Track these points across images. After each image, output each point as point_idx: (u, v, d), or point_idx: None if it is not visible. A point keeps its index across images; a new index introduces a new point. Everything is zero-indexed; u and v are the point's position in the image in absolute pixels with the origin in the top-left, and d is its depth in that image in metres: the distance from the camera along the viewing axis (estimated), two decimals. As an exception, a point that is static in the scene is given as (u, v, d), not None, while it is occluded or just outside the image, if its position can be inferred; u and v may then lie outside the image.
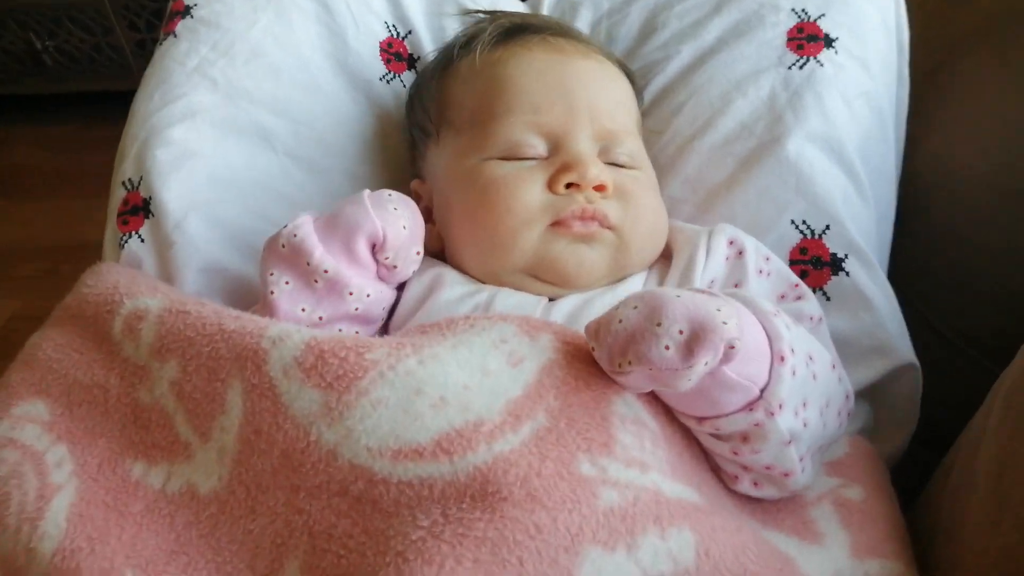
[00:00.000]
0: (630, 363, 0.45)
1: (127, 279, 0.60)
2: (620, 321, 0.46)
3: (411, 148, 0.73)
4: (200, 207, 0.66)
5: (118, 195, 0.68)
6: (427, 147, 0.70)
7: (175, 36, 0.73)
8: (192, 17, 0.73)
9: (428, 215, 0.68)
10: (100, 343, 0.57)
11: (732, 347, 0.44)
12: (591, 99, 0.63)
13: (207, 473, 0.51)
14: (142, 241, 0.66)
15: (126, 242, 0.66)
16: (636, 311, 0.45)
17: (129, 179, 0.68)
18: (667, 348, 0.44)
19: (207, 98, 0.70)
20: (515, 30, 0.68)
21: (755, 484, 0.53)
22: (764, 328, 0.48)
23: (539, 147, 0.62)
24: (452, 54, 0.69)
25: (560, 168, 0.60)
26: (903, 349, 0.63)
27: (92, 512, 0.51)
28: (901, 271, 0.71)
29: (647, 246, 0.63)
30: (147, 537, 0.50)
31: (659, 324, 0.44)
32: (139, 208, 0.67)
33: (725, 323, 0.44)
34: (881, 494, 0.56)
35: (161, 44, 0.74)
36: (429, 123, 0.69)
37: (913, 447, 0.64)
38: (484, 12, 0.75)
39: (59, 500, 0.51)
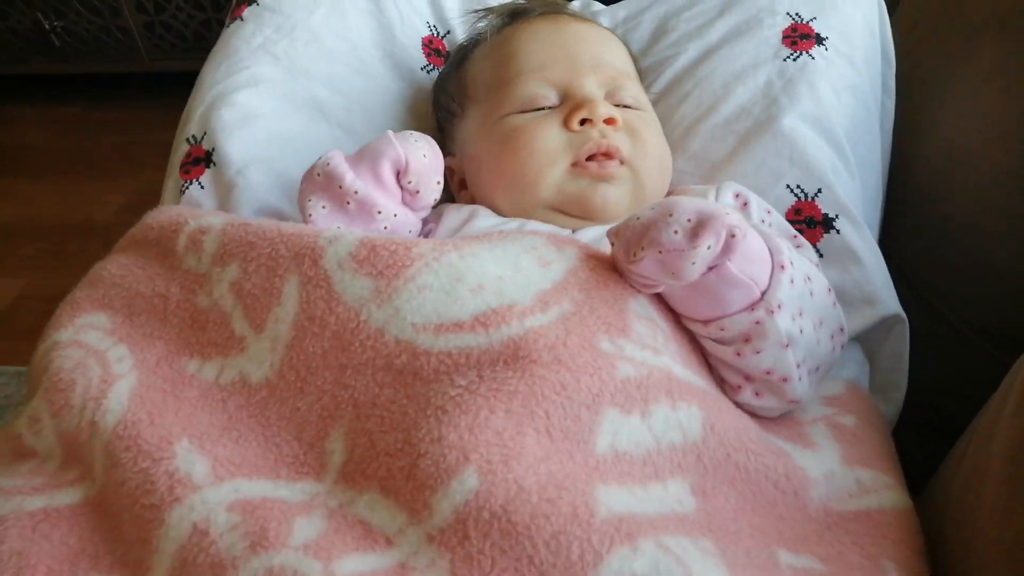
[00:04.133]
0: (643, 249, 0.51)
1: (190, 209, 0.66)
2: (638, 218, 0.52)
3: (439, 132, 0.81)
4: (259, 160, 0.72)
5: (181, 150, 0.75)
6: (453, 126, 0.78)
7: (242, 20, 0.82)
8: (258, 4, 0.83)
9: (463, 186, 0.76)
10: (163, 259, 0.61)
11: (733, 236, 0.49)
12: (592, 53, 0.72)
13: (259, 363, 0.54)
14: (202, 187, 0.72)
15: (187, 189, 0.72)
16: (652, 210, 0.52)
17: (193, 135, 0.75)
18: (676, 232, 0.49)
19: (269, 70, 0.78)
20: (517, 13, 0.78)
21: (756, 394, 0.57)
22: (767, 244, 0.54)
23: (551, 97, 0.70)
24: (467, 47, 0.79)
25: (573, 108, 0.68)
26: (890, 299, 0.68)
27: (151, 395, 0.54)
28: (912, 261, 0.73)
29: (657, 177, 0.70)
30: (202, 416, 0.53)
31: (671, 215, 0.50)
32: (201, 159, 0.73)
33: (728, 214, 0.50)
34: (874, 426, 0.60)
35: (228, 27, 0.83)
36: (454, 103, 0.77)
37: (921, 435, 0.66)
38: (486, 9, 0.85)
39: (120, 385, 0.54)
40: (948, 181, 0.74)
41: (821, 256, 0.69)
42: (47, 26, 1.80)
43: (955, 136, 0.74)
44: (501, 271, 0.54)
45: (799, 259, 0.57)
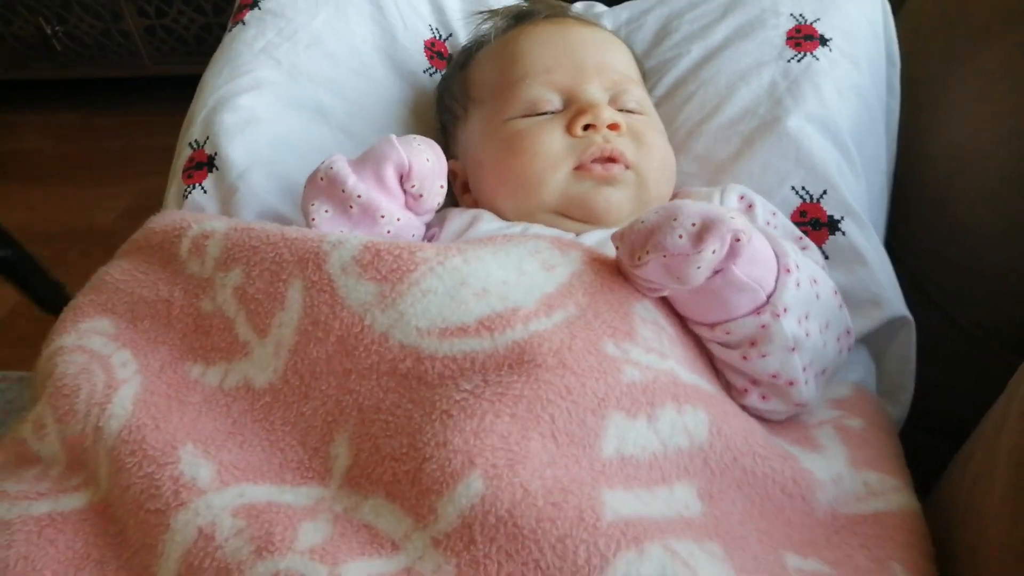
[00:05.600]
0: (648, 252, 0.50)
1: (193, 213, 0.66)
2: (642, 222, 0.52)
3: (443, 135, 0.81)
4: (262, 164, 0.72)
5: (184, 155, 0.75)
6: (457, 128, 0.77)
7: (244, 24, 0.82)
8: (260, 8, 0.83)
9: (465, 189, 0.75)
10: (166, 264, 0.61)
11: (738, 240, 0.49)
12: (596, 56, 0.72)
13: (263, 367, 0.54)
14: (204, 192, 0.72)
15: (189, 193, 0.72)
16: (656, 213, 0.51)
17: (196, 140, 0.75)
18: (680, 237, 0.49)
19: (271, 74, 0.78)
20: (522, 16, 0.78)
21: (763, 397, 0.57)
22: (772, 247, 0.54)
23: (555, 101, 0.70)
24: (471, 49, 0.79)
25: (576, 112, 0.68)
26: (896, 301, 0.67)
27: (156, 400, 0.54)
28: (919, 262, 0.73)
29: (661, 180, 0.70)
30: (206, 421, 0.54)
31: (675, 219, 0.50)
32: (203, 164, 0.73)
33: (733, 218, 0.49)
34: (881, 428, 0.60)
35: (230, 31, 0.83)
36: (457, 105, 0.77)
37: (930, 438, 0.65)
38: (491, 10, 0.85)
39: (125, 390, 0.54)
40: (954, 182, 0.73)
41: (827, 258, 0.69)
42: (49, 31, 1.81)
43: (961, 137, 0.74)
44: (505, 275, 0.53)
45: (805, 261, 0.57)
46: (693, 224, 0.50)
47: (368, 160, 0.62)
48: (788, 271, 0.53)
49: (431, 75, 0.86)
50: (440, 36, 0.90)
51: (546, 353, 0.49)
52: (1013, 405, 0.47)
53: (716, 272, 0.51)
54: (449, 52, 0.89)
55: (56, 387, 0.55)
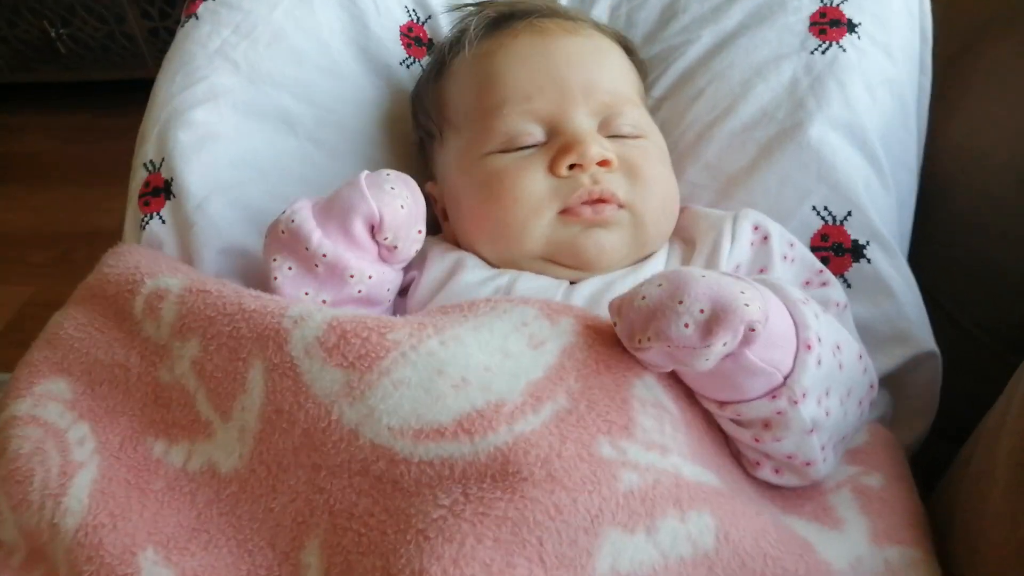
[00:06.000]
0: (649, 339, 0.45)
1: (148, 259, 0.61)
2: (643, 298, 0.46)
3: (420, 151, 0.74)
4: (221, 189, 0.66)
5: (139, 176, 0.69)
6: (433, 149, 0.70)
7: (196, 18, 0.73)
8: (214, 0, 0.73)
9: (445, 216, 0.68)
10: (121, 322, 0.58)
11: (753, 330, 0.44)
12: (583, 76, 0.63)
13: (228, 452, 0.51)
14: (163, 222, 0.66)
15: (147, 223, 0.67)
16: (660, 288, 0.45)
17: (151, 160, 0.68)
18: (686, 326, 0.44)
19: (229, 80, 0.70)
20: (501, 20, 0.68)
21: (776, 471, 0.53)
22: (791, 315, 0.48)
23: (537, 133, 0.61)
24: (444, 56, 0.69)
25: (560, 150, 0.60)
26: (923, 337, 0.62)
27: (114, 489, 0.52)
28: (922, 262, 0.70)
29: (662, 218, 0.63)
30: (168, 515, 0.51)
31: (681, 302, 0.44)
32: (160, 189, 0.67)
33: (747, 305, 0.43)
34: (901, 482, 0.56)
35: (183, 26, 0.74)
36: (432, 125, 0.69)
37: (932, 439, 0.64)
38: (472, 4, 0.74)
39: (81, 477, 0.52)
40: (957, 182, 0.72)
41: (849, 286, 0.63)
42: (53, 34, 1.83)
43: (962, 136, 0.72)
44: (488, 359, 0.48)
45: (827, 326, 0.51)
46: (701, 311, 0.44)
47: (335, 210, 0.56)
48: (808, 348, 0.47)
49: (408, 66, 0.77)
50: (418, 19, 0.80)
51: (532, 463, 0.44)
52: (1013, 405, 0.46)
53: (727, 356, 0.45)
54: (429, 37, 0.80)
55: (9, 471, 0.53)
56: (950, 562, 0.50)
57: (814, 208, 0.64)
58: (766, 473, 0.53)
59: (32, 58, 1.90)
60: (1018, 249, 0.66)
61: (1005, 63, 0.70)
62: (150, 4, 1.78)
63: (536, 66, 0.63)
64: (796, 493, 0.54)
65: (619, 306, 0.48)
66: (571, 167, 0.59)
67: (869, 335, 0.61)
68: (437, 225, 0.69)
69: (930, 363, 0.63)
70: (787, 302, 0.49)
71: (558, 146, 0.60)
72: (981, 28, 0.74)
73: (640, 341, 0.46)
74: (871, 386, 0.56)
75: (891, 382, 0.63)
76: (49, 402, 0.56)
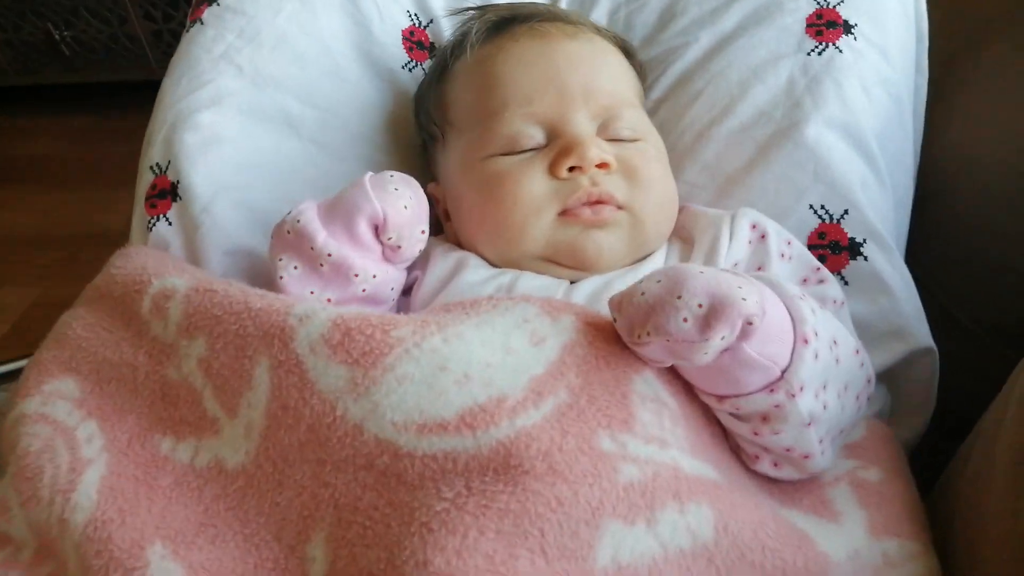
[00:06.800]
0: (649, 334, 0.46)
1: (155, 260, 0.61)
2: (642, 294, 0.46)
3: (423, 152, 0.74)
4: (227, 191, 0.67)
5: (146, 179, 0.70)
6: (436, 150, 0.71)
7: (202, 23, 0.74)
8: (219, 4, 0.74)
9: (447, 216, 0.69)
10: (128, 322, 0.58)
11: (750, 323, 0.44)
12: (583, 79, 0.64)
13: (234, 448, 0.52)
14: (169, 224, 0.67)
15: (154, 225, 0.67)
16: (659, 284, 0.46)
17: (157, 163, 0.69)
18: (685, 320, 0.44)
19: (234, 84, 0.71)
20: (502, 23, 0.69)
21: (774, 465, 0.53)
22: (788, 310, 0.49)
23: (537, 136, 0.62)
24: (446, 59, 0.70)
25: (559, 152, 0.61)
26: (920, 333, 0.63)
27: (122, 485, 0.52)
28: (921, 260, 0.70)
29: (661, 219, 0.64)
30: (176, 510, 0.51)
31: (679, 297, 0.45)
32: (167, 192, 0.68)
33: (744, 299, 0.44)
34: (899, 476, 0.56)
35: (188, 31, 0.75)
36: (434, 127, 0.70)
37: (932, 436, 0.64)
38: (474, 8, 0.75)
39: (90, 473, 0.52)
40: (956, 180, 0.72)
41: (846, 284, 0.63)
42: (57, 36, 1.84)
43: (962, 135, 0.72)
44: (489, 356, 0.49)
45: (824, 321, 0.51)
46: (700, 305, 0.44)
47: (339, 211, 0.57)
48: (806, 342, 0.48)
49: (411, 70, 0.78)
50: (420, 23, 0.81)
51: (534, 456, 0.45)
52: (1011, 402, 0.46)
53: (725, 350, 0.46)
54: (431, 41, 0.81)
55: (19, 467, 0.53)
56: (949, 560, 0.50)
57: (811, 207, 0.65)
58: (765, 466, 0.53)
59: (37, 60, 1.91)
60: (1017, 247, 0.67)
61: (1004, 63, 0.71)
62: (153, 6, 1.79)
63: (537, 69, 0.64)
64: (794, 487, 0.55)
65: (619, 302, 0.49)
66: (571, 169, 0.60)
67: (866, 332, 0.62)
68: (439, 226, 0.70)
69: (927, 359, 0.63)
70: (784, 297, 0.49)
71: (558, 148, 0.61)
72: (980, 28, 0.74)
73: (640, 336, 0.47)
74: (868, 381, 0.57)
75: (889, 378, 0.64)
76: (58, 400, 0.56)
